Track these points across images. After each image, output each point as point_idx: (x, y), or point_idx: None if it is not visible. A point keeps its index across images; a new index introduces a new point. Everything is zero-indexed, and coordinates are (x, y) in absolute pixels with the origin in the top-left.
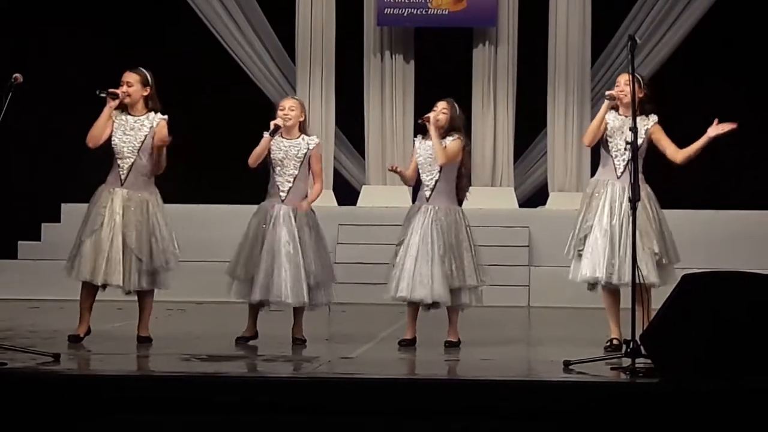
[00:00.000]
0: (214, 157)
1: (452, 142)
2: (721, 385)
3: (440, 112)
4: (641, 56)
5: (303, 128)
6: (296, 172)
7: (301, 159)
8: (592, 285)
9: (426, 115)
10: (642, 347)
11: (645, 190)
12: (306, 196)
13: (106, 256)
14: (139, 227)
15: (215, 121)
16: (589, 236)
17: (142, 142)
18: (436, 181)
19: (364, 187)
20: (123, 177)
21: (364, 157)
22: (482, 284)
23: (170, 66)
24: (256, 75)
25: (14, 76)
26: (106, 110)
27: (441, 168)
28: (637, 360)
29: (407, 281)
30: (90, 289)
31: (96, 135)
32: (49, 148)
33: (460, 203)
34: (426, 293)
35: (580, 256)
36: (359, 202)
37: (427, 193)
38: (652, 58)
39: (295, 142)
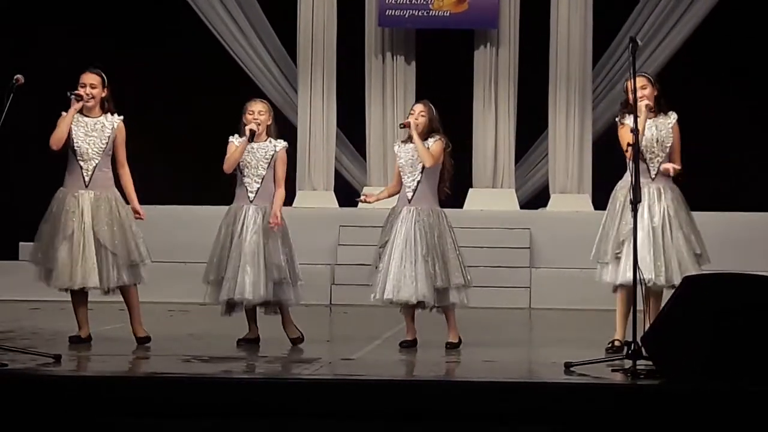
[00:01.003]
0: (214, 158)
1: (435, 143)
2: (722, 386)
3: (419, 115)
4: (643, 58)
5: (270, 131)
6: (264, 173)
7: (269, 160)
8: (617, 286)
9: (406, 120)
10: (643, 349)
11: (676, 190)
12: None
13: (80, 260)
14: (110, 224)
15: (215, 122)
16: (629, 239)
17: (106, 143)
18: (418, 183)
19: (365, 188)
20: (87, 179)
21: (365, 158)
22: (469, 284)
23: (170, 66)
24: (256, 76)
25: (16, 77)
26: (72, 112)
27: (423, 169)
28: (638, 362)
29: (393, 283)
30: (78, 295)
31: (61, 137)
32: (49, 149)
33: (441, 203)
34: (410, 293)
35: (618, 258)
36: (360, 204)
37: (409, 195)
38: (653, 59)
39: (263, 145)
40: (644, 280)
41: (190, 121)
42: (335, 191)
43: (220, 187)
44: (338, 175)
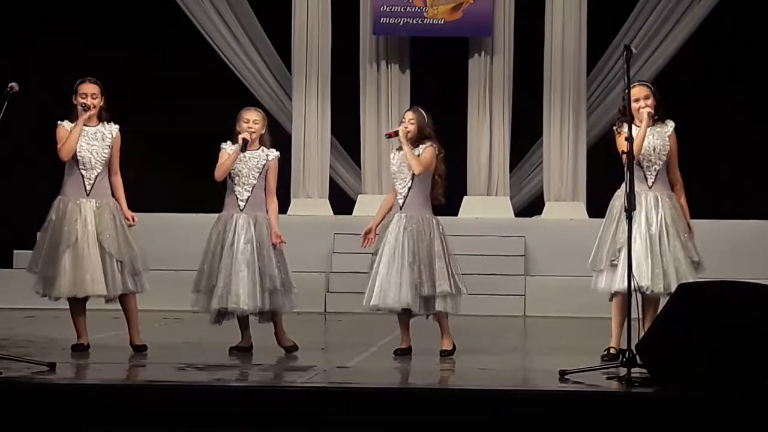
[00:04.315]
0: (206, 166)
1: (426, 149)
2: (717, 394)
3: (408, 122)
4: (637, 66)
5: (263, 141)
6: (255, 182)
7: (260, 170)
8: (613, 294)
9: (393, 129)
10: (638, 357)
11: (673, 198)
12: (265, 209)
13: (87, 268)
14: (114, 232)
15: (208, 130)
16: (626, 247)
17: (108, 152)
18: (409, 189)
19: (359, 196)
20: (89, 187)
21: (359, 166)
22: (459, 293)
23: (168, 72)
24: (252, 84)
25: (10, 85)
26: (81, 122)
27: (413, 176)
28: (633, 369)
29: (379, 289)
30: (77, 302)
31: (73, 148)
32: (45, 157)
33: (435, 211)
34: (395, 301)
35: (613, 266)
36: (355, 211)
37: (401, 202)
38: (648, 67)
39: (255, 154)
40: (640, 287)
41: (182, 129)
42: (330, 199)
43: (212, 194)
44: (333, 183)
